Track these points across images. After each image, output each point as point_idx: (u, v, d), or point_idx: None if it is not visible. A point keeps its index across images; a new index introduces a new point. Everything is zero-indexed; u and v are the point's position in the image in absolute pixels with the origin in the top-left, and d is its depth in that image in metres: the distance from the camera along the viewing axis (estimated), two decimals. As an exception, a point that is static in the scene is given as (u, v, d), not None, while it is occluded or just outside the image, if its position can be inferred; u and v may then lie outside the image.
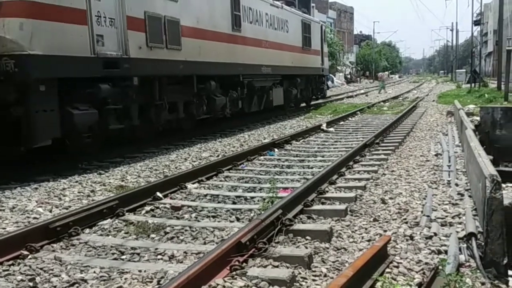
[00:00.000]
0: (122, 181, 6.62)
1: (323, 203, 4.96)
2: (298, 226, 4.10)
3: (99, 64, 7.55)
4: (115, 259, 3.61)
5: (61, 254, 3.73)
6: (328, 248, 3.70)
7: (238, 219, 4.58)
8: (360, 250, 3.63)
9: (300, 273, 3.17)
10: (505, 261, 3.26)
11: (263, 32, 14.54)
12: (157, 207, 5.09)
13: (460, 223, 4.11)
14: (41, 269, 3.39)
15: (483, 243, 3.44)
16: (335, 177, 6.07)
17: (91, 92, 7.59)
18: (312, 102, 21.15)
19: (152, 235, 4.14)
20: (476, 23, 41.10)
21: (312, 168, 7.16)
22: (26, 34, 6.43)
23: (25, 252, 3.69)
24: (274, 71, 15.15)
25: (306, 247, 3.64)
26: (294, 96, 18.00)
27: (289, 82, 17.28)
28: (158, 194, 5.42)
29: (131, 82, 8.58)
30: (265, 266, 3.24)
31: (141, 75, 8.81)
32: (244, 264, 3.24)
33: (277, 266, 3.25)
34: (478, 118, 10.20)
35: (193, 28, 10.43)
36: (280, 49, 15.84)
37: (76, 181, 6.61)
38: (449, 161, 6.98)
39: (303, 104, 20.06)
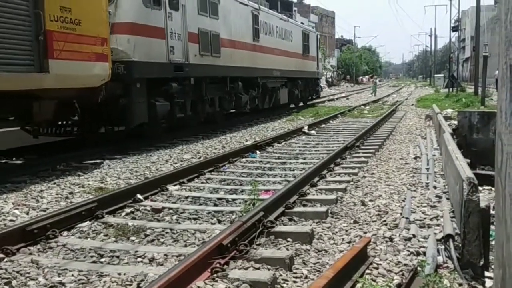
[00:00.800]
0: (102, 183, 6.54)
1: (304, 205, 4.98)
2: (279, 228, 4.11)
3: (171, 68, 10.38)
4: (93, 262, 3.55)
5: (38, 257, 3.66)
6: (309, 250, 3.71)
7: (219, 221, 4.56)
8: (341, 251, 3.66)
9: (281, 275, 3.18)
10: (481, 262, 3.32)
11: (275, 42, 17.77)
12: (138, 209, 5.03)
13: (438, 225, 4.18)
14: (17, 272, 3.32)
15: (460, 245, 3.50)
16: (316, 179, 6.10)
17: (165, 88, 10.29)
18: (308, 102, 23.72)
19: (132, 238, 4.10)
20: (454, 29, 41.91)
21: (293, 170, 7.19)
22: (131, 46, 9.21)
23: (1, 255, 3.61)
24: (282, 74, 18.25)
25: (288, 249, 3.65)
26: (296, 96, 20.85)
27: (292, 84, 20.04)
28: (139, 196, 5.37)
29: (189, 81, 11.34)
30: (246, 268, 3.24)
31: (195, 76, 11.58)
32: (225, 266, 3.23)
33: (258, 268, 3.25)
34: (455, 122, 10.39)
35: (228, 39, 13.51)
36: (286, 55, 18.99)
37: (54, 183, 6.50)
38: (428, 164, 7.09)
39: (301, 104, 22.61)
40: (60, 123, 9.11)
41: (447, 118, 11.56)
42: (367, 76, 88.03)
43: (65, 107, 8.11)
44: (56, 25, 6.97)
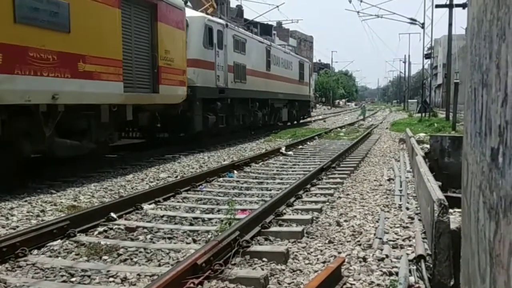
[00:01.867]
0: (75, 201, 6.42)
1: (280, 225, 4.99)
2: (255, 247, 4.10)
3: (217, 91, 14.34)
4: (64, 281, 3.47)
5: (6, 276, 3.56)
6: (284, 269, 3.71)
7: (195, 241, 4.53)
8: (316, 271, 3.67)
9: (255, 295, 3.17)
10: (451, 283, 3.38)
11: (280, 71, 22.08)
12: (111, 228, 4.96)
13: (410, 246, 4.23)
14: (-17, 291, 3.23)
15: (431, 265, 3.55)
16: (292, 199, 6.13)
17: (213, 106, 14.25)
18: (301, 121, 28.35)
19: (105, 257, 4.02)
20: (427, 56, 43.03)
21: (270, 190, 7.21)
22: (196, 75, 12.96)
23: (-32, 274, 3.51)
24: (284, 97, 22.70)
25: (263, 269, 3.64)
26: (293, 115, 25.64)
27: (290, 105, 24.59)
28: (112, 214, 5.29)
29: (226, 101, 15.32)
30: (221, 288, 3.22)
31: (231, 97, 15.58)
32: (200, 286, 3.21)
33: (232, 288, 3.24)
34: (428, 146, 10.58)
35: (251, 69, 17.63)
36: (288, 81, 23.55)
37: (26, 200, 6.35)
38: (401, 185, 7.21)
39: (295, 122, 26.88)
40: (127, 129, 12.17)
41: (419, 142, 11.78)
42: (343, 100, 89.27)
43: (154, 117, 11.74)
44: (163, 63, 10.58)
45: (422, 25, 33.10)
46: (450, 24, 22.97)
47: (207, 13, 15.28)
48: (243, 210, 5.66)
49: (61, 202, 6.29)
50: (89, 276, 3.56)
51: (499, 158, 0.80)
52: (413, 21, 32.07)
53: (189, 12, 12.87)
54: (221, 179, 8.25)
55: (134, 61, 9.67)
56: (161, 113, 11.81)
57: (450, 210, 3.89)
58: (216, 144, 14.47)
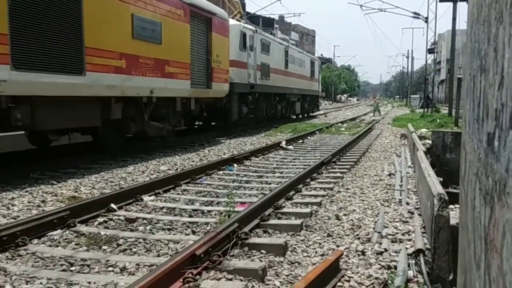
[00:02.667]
0: (75, 192, 6.43)
1: (279, 218, 5.00)
2: (253, 239, 4.11)
3: (248, 86, 17.27)
4: (63, 270, 3.49)
5: (6, 264, 3.58)
6: (282, 262, 3.72)
7: (194, 232, 4.54)
8: (314, 264, 3.67)
9: (253, 286, 3.18)
10: (450, 277, 3.38)
11: (295, 69, 25.20)
12: (111, 219, 4.97)
13: (409, 240, 4.23)
14: (-17, 279, 3.24)
15: (430, 260, 3.55)
16: (292, 193, 6.14)
17: (245, 99, 17.29)
18: (311, 114, 31.40)
19: (104, 247, 4.04)
20: (430, 51, 42.88)
21: (270, 184, 7.22)
22: (234, 73, 15.67)
23: (-32, 262, 3.54)
24: (298, 92, 25.99)
25: (261, 261, 3.65)
26: (305, 108, 28.76)
27: (303, 99, 27.63)
28: (112, 205, 5.30)
29: (255, 95, 18.31)
30: (219, 279, 3.23)
31: (258, 92, 18.65)
32: (198, 276, 3.21)
33: (231, 279, 3.24)
34: (430, 142, 10.57)
35: (273, 68, 20.70)
36: (301, 78, 26.80)
37: (27, 191, 6.37)
38: (401, 181, 7.20)
39: (305, 115, 29.75)
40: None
41: (421, 137, 11.76)
42: (345, 95, 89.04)
43: (202, 108, 14.03)
44: (214, 64, 13.43)
45: (426, 20, 32.98)
46: (454, 19, 22.84)
47: (236, 19, 18.37)
48: (242, 203, 5.67)
49: (62, 193, 6.30)
50: (88, 266, 3.58)
51: (495, 142, 0.79)
52: (416, 15, 31.93)
53: (229, 21, 15.19)
54: (221, 172, 8.26)
55: (196, 63, 12.58)
56: (207, 105, 14.29)
57: (451, 206, 3.88)
58: (217, 138, 14.49)
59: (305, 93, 27.75)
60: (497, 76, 0.78)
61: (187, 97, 12.19)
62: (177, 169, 8.48)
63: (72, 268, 3.53)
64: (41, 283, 3.18)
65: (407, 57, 73.34)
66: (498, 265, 0.73)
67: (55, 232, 4.40)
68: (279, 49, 22.06)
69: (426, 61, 45.43)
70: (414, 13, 32.19)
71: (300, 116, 27.93)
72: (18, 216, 5.03)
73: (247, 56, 17.27)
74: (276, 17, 41.73)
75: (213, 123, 16.75)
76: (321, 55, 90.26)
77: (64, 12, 7.53)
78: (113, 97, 9.15)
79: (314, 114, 32.21)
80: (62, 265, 3.59)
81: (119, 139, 10.19)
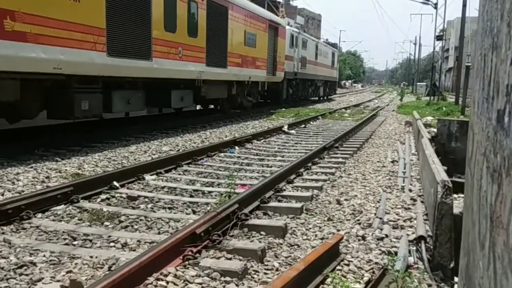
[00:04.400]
0: (79, 169, 6.46)
1: (279, 201, 5.01)
2: (253, 221, 4.12)
3: (293, 74, 23.72)
4: (66, 244, 3.53)
5: (11, 236, 3.62)
6: (281, 244, 3.74)
7: (194, 212, 4.56)
8: (313, 247, 3.68)
9: (252, 266, 3.20)
10: (451, 265, 3.38)
11: (322, 59, 31.89)
12: (113, 196, 5.00)
13: (411, 227, 4.23)
14: (-12, 250, 3.29)
15: (432, 247, 3.55)
16: (293, 176, 6.14)
17: (290, 84, 23.92)
18: (329, 96, 37.68)
19: (106, 223, 4.07)
20: (438, 38, 42.39)
21: (271, 167, 7.22)
22: (285, 65, 21.33)
23: (-28, 233, 3.60)
24: (323, 78, 32.78)
25: (260, 242, 3.67)
26: (326, 92, 35.38)
27: (325, 84, 34.34)
28: (115, 183, 5.33)
29: (297, 81, 24.95)
30: (218, 258, 3.25)
31: (299, 79, 25.34)
32: (198, 254, 3.24)
33: (230, 258, 3.26)
34: (435, 130, 10.53)
35: (308, 59, 27.13)
36: (325, 67, 33.26)
37: (31, 167, 6.40)
38: (405, 168, 7.18)
39: (325, 98, 36.18)
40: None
41: (426, 125, 11.71)
42: (350, 81, 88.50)
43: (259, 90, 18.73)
44: (278, 59, 19.19)
45: (435, 6, 32.57)
46: (464, 5, 22.54)
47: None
48: (243, 185, 5.68)
49: (66, 170, 6.33)
50: (90, 240, 3.62)
51: (505, 118, 0.79)
52: (425, 0, 31.51)
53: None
54: (222, 154, 8.26)
55: (268, 58, 18.26)
56: (269, 87, 19.80)
57: (455, 195, 3.86)
58: (219, 121, 14.49)
59: (327, 79, 34.57)
60: (509, 52, 0.77)
61: (263, 81, 18.43)
62: (178, 150, 8.49)
63: (75, 243, 3.57)
64: (44, 256, 3.22)
65: (415, 44, 72.57)
66: (504, 240, 0.73)
67: (58, 207, 4.44)
68: (312, 45, 28.83)
69: (434, 48, 45.03)
70: (424, -2, 31.76)
71: (323, 98, 34.71)
72: (23, 191, 5.07)
73: (293, 51, 23.89)
74: (282, 0, 41.28)
75: (268, 100, 22.90)
76: (327, 39, 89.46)
77: (220, 31, 13.59)
78: (234, 81, 15.18)
79: (332, 96, 38.44)
80: (65, 239, 3.64)
81: (231, 107, 16.17)
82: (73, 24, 7.51)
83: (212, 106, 16.78)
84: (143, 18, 9.49)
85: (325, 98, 35.16)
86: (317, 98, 32.49)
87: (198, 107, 17.22)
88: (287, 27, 22.54)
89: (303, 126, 14.02)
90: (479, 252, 0.95)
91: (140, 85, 10.30)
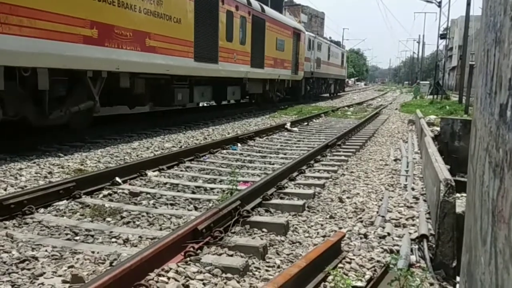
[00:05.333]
0: (81, 165, 6.48)
1: (281, 198, 5.01)
2: (255, 218, 4.12)
3: (310, 73, 27.47)
4: (68, 239, 3.54)
5: (13, 231, 3.64)
6: (283, 241, 3.74)
7: (196, 208, 4.56)
8: (315, 245, 3.68)
9: (254, 263, 3.19)
10: (454, 264, 3.37)
11: (333, 60, 35.61)
12: (115, 192, 5.01)
13: (413, 225, 4.22)
14: (-10, 244, 3.30)
15: (434, 245, 3.54)
16: (295, 174, 6.14)
17: (308, 82, 27.85)
18: (339, 93, 41.51)
19: (108, 219, 4.08)
20: (442, 36, 42.26)
21: (273, 164, 7.22)
22: (304, 65, 25.28)
23: (-25, 228, 3.63)
24: (334, 77, 36.59)
25: (262, 239, 3.66)
26: (336, 89, 39.33)
27: (335, 82, 38.43)
28: (117, 179, 5.34)
29: (312, 80, 29.10)
30: (220, 254, 3.24)
31: (315, 77, 29.57)
32: (199, 251, 3.24)
33: (231, 255, 3.26)
34: (438, 129, 10.49)
35: (322, 60, 31.12)
36: (336, 67, 37.22)
37: (34, 162, 6.42)
38: (407, 166, 7.16)
39: (335, 94, 40.12)
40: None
41: (430, 124, 11.65)
42: (352, 79, 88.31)
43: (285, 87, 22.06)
44: (298, 60, 22.90)
45: (439, 4, 32.43)
46: (468, 4, 22.44)
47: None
48: (245, 182, 5.68)
49: (68, 165, 6.34)
50: (92, 236, 3.63)
51: (507, 112, 0.78)
52: (429, -2, 31.38)
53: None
54: (224, 151, 8.26)
55: (292, 60, 21.61)
56: (292, 84, 22.92)
57: (457, 195, 3.85)
58: (221, 118, 14.49)
59: (337, 78, 38.73)
60: (512, 46, 0.76)
61: (289, 79, 21.70)
62: (181, 147, 8.49)
63: (77, 238, 3.58)
64: (46, 251, 3.23)
65: (418, 42, 72.34)
66: (506, 235, 0.73)
67: (61, 203, 4.45)
68: (325, 47, 32.59)
69: (438, 46, 44.92)
70: (428, -4, 31.60)
71: (334, 94, 38.38)
72: (26, 186, 5.08)
73: (310, 53, 27.28)
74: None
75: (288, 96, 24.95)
76: (330, 37, 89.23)
77: (260, 39, 17.17)
78: (268, 79, 18.61)
79: (341, 94, 41.96)
80: (67, 234, 3.64)
81: (263, 100, 19.52)
82: (177, 39, 10.90)
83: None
84: (214, 32, 13.07)
85: (335, 94, 38.78)
86: (328, 95, 35.98)
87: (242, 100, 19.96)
88: (306, 33, 26.45)
89: (305, 123, 14.01)
90: (481, 248, 0.95)
91: (209, 83, 14.01)
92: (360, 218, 4.45)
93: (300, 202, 4.74)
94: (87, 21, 7.76)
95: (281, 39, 19.81)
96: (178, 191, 5.27)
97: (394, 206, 4.88)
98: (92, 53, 7.91)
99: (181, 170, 6.47)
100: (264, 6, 17.60)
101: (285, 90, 22.60)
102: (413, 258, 3.47)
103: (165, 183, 5.56)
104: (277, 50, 19.19)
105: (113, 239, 3.56)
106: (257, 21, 16.73)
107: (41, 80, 7.04)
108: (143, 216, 4.19)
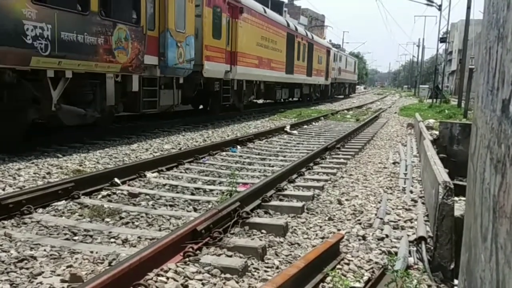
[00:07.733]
0: (80, 165, 6.47)
1: (281, 200, 5.01)
2: (254, 219, 4.12)
3: (334, 80, 39.12)
4: (67, 239, 3.54)
5: (12, 231, 3.63)
6: (282, 242, 3.74)
7: (195, 209, 4.56)
8: (314, 246, 3.68)
9: (252, 264, 3.19)
10: (452, 266, 3.36)
11: (349, 68, 46.93)
12: (114, 193, 5.00)
13: (411, 227, 4.22)
14: (-11, 244, 3.30)
15: (432, 248, 3.54)
16: (294, 176, 6.14)
17: (332, 85, 38.64)
18: (350, 95, 49.63)
19: (107, 219, 4.07)
20: (442, 40, 42.32)
21: (273, 166, 7.22)
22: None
23: (-27, 227, 3.65)
24: (348, 82, 47.45)
25: (261, 240, 3.66)
26: (350, 91, 48.37)
27: (349, 86, 48.00)
28: (116, 180, 5.33)
29: (335, 84, 40.28)
30: (219, 255, 3.24)
31: (337, 82, 41.64)
32: (198, 251, 3.24)
33: (230, 256, 3.26)
34: (437, 133, 10.50)
35: (342, 69, 42.58)
36: (349, 73, 47.39)
37: (33, 162, 6.42)
38: (406, 169, 7.17)
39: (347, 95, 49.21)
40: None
41: (428, 128, 11.67)
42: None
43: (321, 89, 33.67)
44: (315, 68, 29.35)
45: (439, 7, 32.50)
46: (468, 7, 22.48)
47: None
48: (245, 184, 5.68)
49: (67, 166, 6.34)
50: (91, 236, 3.62)
51: (510, 107, 0.79)
52: (430, 2, 31.43)
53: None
54: (224, 153, 8.27)
55: (325, 70, 31.40)
56: (322, 88, 32.60)
57: (456, 198, 3.85)
58: (221, 120, 14.48)
59: (350, 82, 48.16)
60: (515, 41, 0.77)
61: (322, 84, 30.57)
62: (180, 148, 8.49)
63: (75, 238, 3.58)
64: (44, 250, 3.23)
65: (418, 46, 72.40)
66: (507, 229, 0.73)
67: (59, 203, 4.44)
68: (343, 58, 42.46)
69: (437, 50, 45.03)
70: (428, 0, 31.66)
71: (348, 95, 46.55)
72: (24, 186, 5.08)
73: (335, 64, 35.72)
74: (286, 0, 41.34)
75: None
76: (330, 41, 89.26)
77: (310, 57, 27.43)
78: (312, 84, 28.83)
79: (351, 95, 48.91)
80: (65, 234, 3.64)
81: (311, 99, 28.99)
82: (279, 61, 20.52)
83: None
84: (293, 53, 22.86)
85: (349, 95, 47.60)
86: (342, 96, 44.21)
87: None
88: (333, 49, 36.14)
89: (305, 126, 14.02)
90: (481, 245, 0.95)
91: (287, 86, 23.13)
92: (359, 220, 4.46)
93: (299, 204, 4.74)
94: (255, 56, 17.29)
95: (320, 56, 30.21)
96: (178, 192, 5.27)
97: (393, 209, 4.88)
98: (256, 72, 17.55)
99: (181, 172, 6.46)
100: (313, 35, 29.24)
101: (319, 92, 32.08)
102: (411, 260, 3.47)
103: (164, 184, 5.56)
104: (318, 63, 29.38)
105: (112, 239, 3.56)
106: (309, 45, 27.20)
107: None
108: (142, 216, 4.19)
